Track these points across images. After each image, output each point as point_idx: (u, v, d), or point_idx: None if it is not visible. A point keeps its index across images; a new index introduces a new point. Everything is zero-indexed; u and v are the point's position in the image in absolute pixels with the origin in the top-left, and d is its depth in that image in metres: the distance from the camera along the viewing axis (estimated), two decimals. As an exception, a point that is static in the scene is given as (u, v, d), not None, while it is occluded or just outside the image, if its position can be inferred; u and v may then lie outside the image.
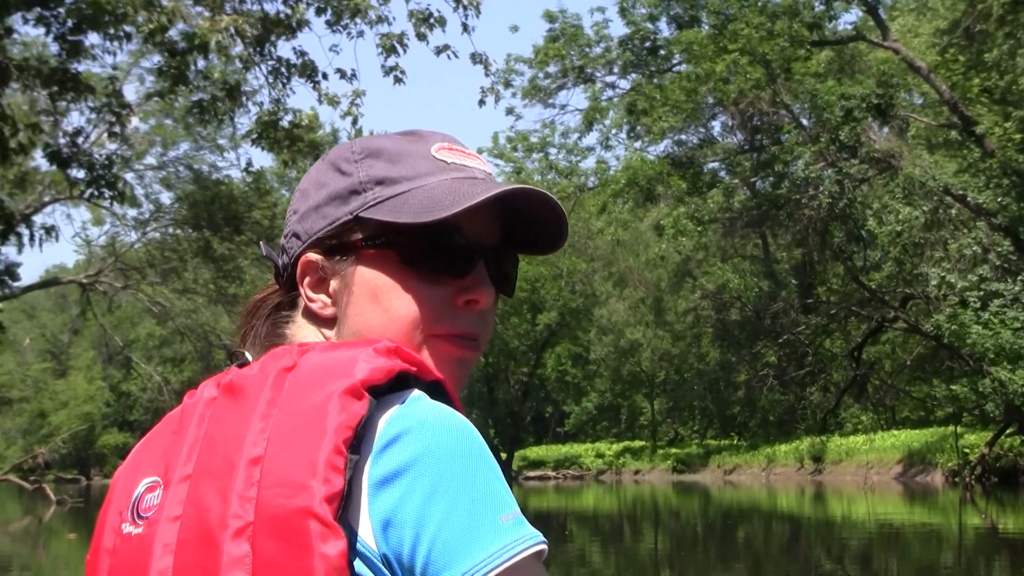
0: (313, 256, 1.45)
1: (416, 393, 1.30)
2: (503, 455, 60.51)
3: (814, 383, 52.29)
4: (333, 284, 1.45)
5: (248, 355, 1.45)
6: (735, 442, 55.68)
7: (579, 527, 26.64)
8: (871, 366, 51.75)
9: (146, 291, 47.43)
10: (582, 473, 58.26)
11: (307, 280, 1.46)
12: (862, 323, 49.72)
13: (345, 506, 1.22)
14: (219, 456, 1.31)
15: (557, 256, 60.50)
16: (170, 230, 48.05)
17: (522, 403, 64.46)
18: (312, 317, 1.48)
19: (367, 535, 1.23)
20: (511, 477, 59.41)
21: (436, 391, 1.33)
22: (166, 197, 49.13)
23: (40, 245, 52.04)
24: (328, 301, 1.45)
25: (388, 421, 1.26)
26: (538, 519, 31.27)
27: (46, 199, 43.63)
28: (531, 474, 60.20)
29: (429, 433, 1.25)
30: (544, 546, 1.24)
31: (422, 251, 1.40)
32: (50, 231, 40.85)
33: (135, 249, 49.95)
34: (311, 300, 1.46)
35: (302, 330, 1.48)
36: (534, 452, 63.88)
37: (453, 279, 1.41)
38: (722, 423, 60.02)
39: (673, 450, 57.89)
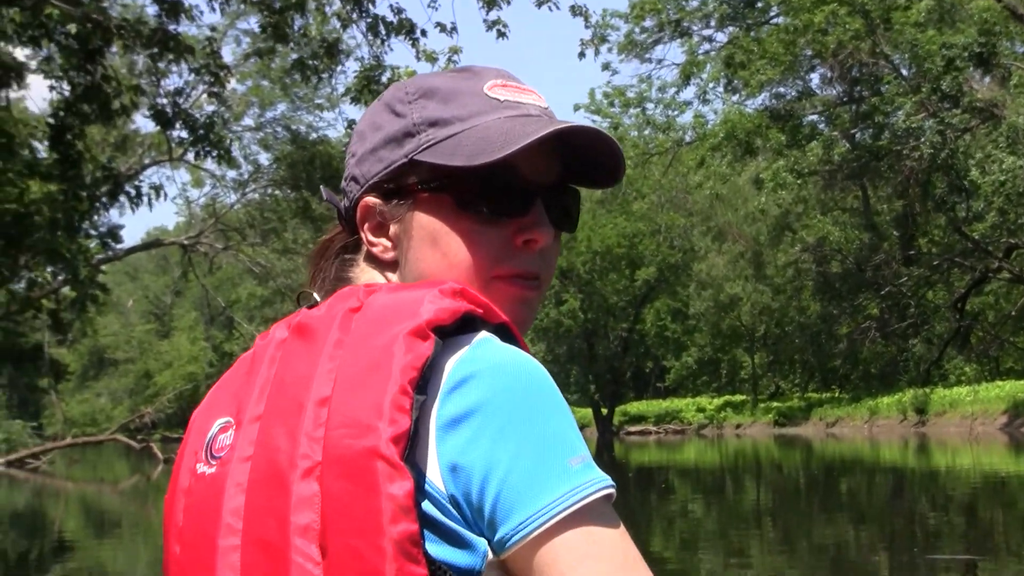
0: (372, 200, 1.46)
1: (483, 335, 1.30)
2: (604, 411, 60.52)
3: (917, 335, 51.66)
4: (393, 228, 1.45)
5: (316, 296, 1.47)
6: (837, 395, 54.92)
7: (680, 481, 26.72)
8: (975, 317, 51.12)
9: (246, 252, 48.30)
10: (683, 428, 57.80)
11: (367, 224, 1.48)
12: (965, 274, 49.28)
13: (412, 447, 1.21)
14: (288, 396, 1.33)
15: (655, 211, 60.43)
16: (269, 191, 48.80)
17: (622, 359, 64.14)
18: (375, 260, 1.49)
19: (435, 476, 1.22)
20: (612, 432, 59.39)
21: (502, 333, 1.33)
22: (264, 158, 49.91)
23: (149, 204, 53.10)
24: (389, 245, 1.46)
25: (456, 363, 1.26)
26: (639, 473, 31.35)
27: (146, 161, 44.89)
28: (632, 429, 59.74)
29: (498, 375, 1.24)
30: (613, 490, 1.23)
31: (477, 194, 1.40)
32: (158, 190, 41.80)
33: (235, 210, 50.88)
34: (372, 244, 1.47)
35: (366, 273, 1.50)
36: (634, 407, 63.48)
37: (511, 219, 1.41)
38: (823, 376, 59.27)
39: (774, 404, 57.18)
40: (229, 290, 75.09)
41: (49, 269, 35.86)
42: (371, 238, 1.46)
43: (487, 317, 1.31)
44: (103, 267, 43.74)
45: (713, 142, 50.35)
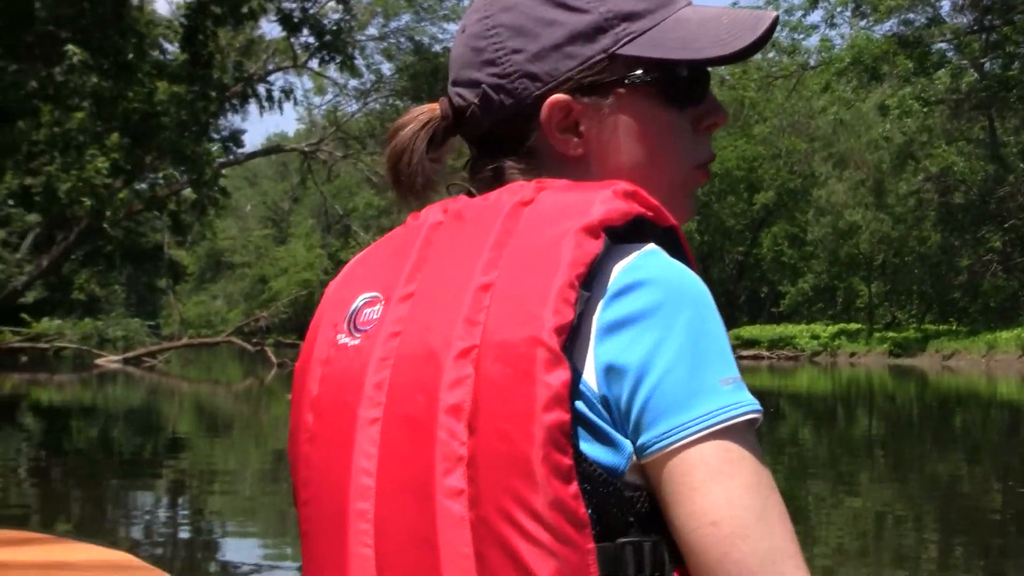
0: (561, 97, 1.40)
1: (652, 247, 1.28)
2: (717, 333, 60.61)
3: None
4: (584, 125, 1.41)
5: (471, 188, 1.48)
6: (954, 327, 53.92)
7: (791, 408, 26.31)
8: None
9: (365, 161, 48.34)
10: (796, 354, 56.75)
11: (553, 121, 1.42)
12: None
13: (572, 342, 1.20)
14: (445, 279, 1.33)
15: (776, 136, 59.75)
16: (390, 101, 49.02)
17: (737, 282, 63.74)
18: (541, 158, 1.45)
19: (590, 376, 1.22)
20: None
21: (669, 236, 1.33)
22: (387, 68, 50.07)
23: (280, 107, 53.33)
24: (577, 142, 1.42)
25: (623, 269, 1.24)
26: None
27: (270, 67, 45.30)
28: (744, 353, 57.65)
29: (663, 288, 1.23)
30: (760, 415, 1.23)
31: (683, 84, 1.40)
32: (288, 93, 42.40)
33: (356, 119, 51.13)
34: (560, 142, 1.42)
35: (515, 171, 1.47)
36: (748, 331, 62.34)
37: (695, 105, 1.42)
38: (941, 308, 58.13)
39: (890, 334, 56.14)
40: (347, 198, 75.40)
41: (173, 170, 36.58)
42: (559, 135, 1.42)
43: (657, 220, 1.31)
44: (224, 171, 44.39)
45: (839, 67, 51.15)
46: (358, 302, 1.39)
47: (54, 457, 16.74)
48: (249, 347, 43.21)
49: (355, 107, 52.03)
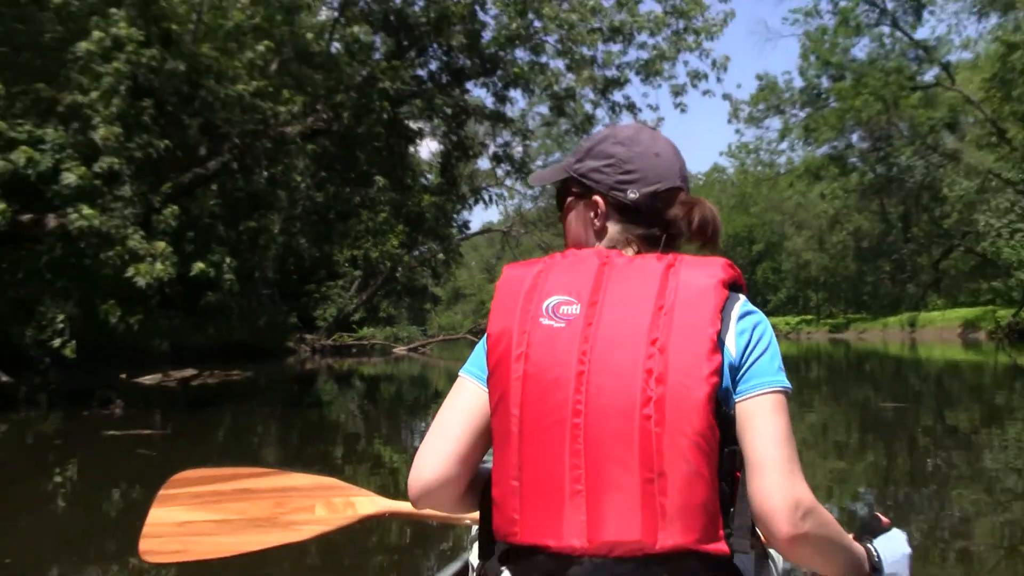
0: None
1: (742, 296, 1.58)
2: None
3: (910, 281, 54.61)
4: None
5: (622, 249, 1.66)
6: (864, 316, 56.05)
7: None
8: (943, 272, 53.07)
9: (536, 236, 51.72)
10: (777, 334, 34.37)
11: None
12: (939, 247, 51.90)
13: (721, 338, 1.49)
14: (628, 298, 1.52)
15: (763, 212, 60.73)
16: (553, 201, 52.63)
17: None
18: (648, 235, 1.68)
19: (731, 348, 1.51)
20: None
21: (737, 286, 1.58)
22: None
23: (486, 205, 54.54)
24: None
25: (740, 304, 1.56)
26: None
27: (483, 184, 45.58)
28: None
29: (760, 316, 1.57)
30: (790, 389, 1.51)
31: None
32: (493, 199, 48.88)
33: (530, 211, 55.92)
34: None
35: (634, 244, 1.69)
36: None
37: None
38: (857, 305, 60.55)
39: (829, 320, 58.78)
40: (528, 256, 62.24)
41: (433, 244, 37.88)
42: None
43: (739, 281, 1.59)
44: (460, 244, 46.78)
45: (797, 173, 55.53)
46: (553, 300, 1.55)
47: (372, 403, 17.64)
48: (475, 339, 34.79)
49: (530, 205, 57.46)
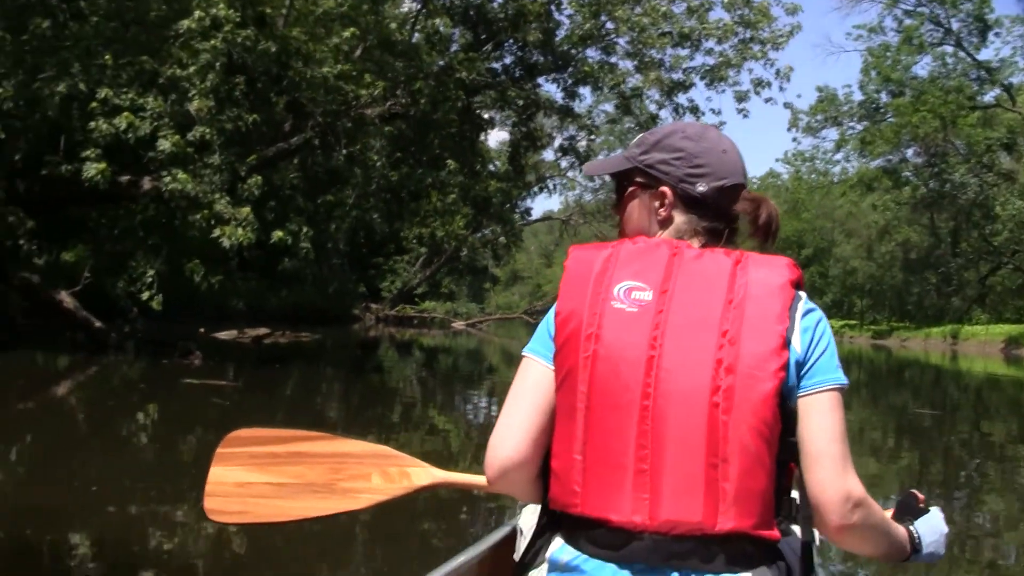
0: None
1: (804, 295, 1.58)
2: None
3: (956, 295, 51.78)
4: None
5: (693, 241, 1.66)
6: (907, 325, 53.99)
7: None
8: (990, 287, 50.98)
9: (595, 226, 51.23)
10: None
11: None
12: (988, 263, 49.78)
13: (789, 331, 1.49)
14: (699, 290, 1.53)
15: (814, 218, 63.21)
16: (609, 192, 45.65)
17: None
18: (713, 228, 1.68)
19: (796, 345, 1.51)
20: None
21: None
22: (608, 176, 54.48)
23: (550, 193, 49.91)
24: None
25: (804, 302, 1.56)
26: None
27: (547, 174, 44.79)
28: None
29: (821, 315, 1.57)
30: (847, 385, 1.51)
31: None
32: (557, 187, 46.18)
33: (590, 202, 55.71)
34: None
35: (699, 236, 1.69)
36: None
37: None
38: (901, 314, 58.43)
39: (872, 327, 56.89)
40: None
41: (496, 227, 36.12)
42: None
43: (801, 281, 1.58)
44: (521, 229, 47.24)
45: (851, 183, 55.01)
46: (624, 284, 1.55)
47: (431, 372, 18.12)
48: (532, 320, 46.52)
49: (590, 197, 57.46)
